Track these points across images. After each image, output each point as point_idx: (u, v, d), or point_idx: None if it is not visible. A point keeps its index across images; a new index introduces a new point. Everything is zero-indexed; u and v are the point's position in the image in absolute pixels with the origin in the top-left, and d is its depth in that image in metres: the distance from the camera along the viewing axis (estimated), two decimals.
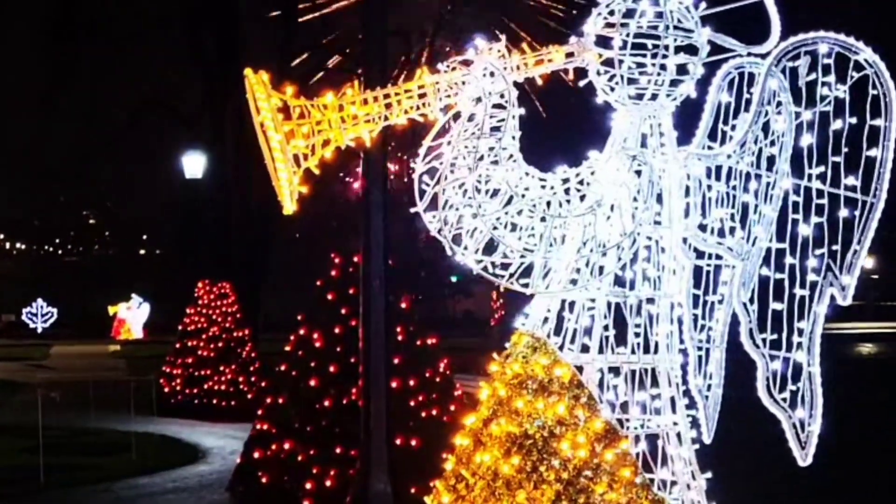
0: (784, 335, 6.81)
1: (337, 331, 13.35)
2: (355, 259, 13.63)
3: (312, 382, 13.16)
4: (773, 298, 6.80)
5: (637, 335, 6.87)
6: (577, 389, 6.50)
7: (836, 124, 6.78)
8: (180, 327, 26.54)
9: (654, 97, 6.90)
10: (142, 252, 79.40)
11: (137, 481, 17.00)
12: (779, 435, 6.88)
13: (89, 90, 45.37)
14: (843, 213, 6.78)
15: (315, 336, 13.43)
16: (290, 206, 6.60)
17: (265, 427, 13.43)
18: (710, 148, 7.20)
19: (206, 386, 25.37)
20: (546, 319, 6.81)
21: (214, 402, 25.14)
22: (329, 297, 13.59)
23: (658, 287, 6.89)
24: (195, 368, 25.59)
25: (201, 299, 26.24)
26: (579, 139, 7.28)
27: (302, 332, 13.65)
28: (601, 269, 6.83)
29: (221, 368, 25.51)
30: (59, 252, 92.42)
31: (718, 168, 6.98)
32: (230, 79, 38.36)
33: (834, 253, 6.80)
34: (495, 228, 6.62)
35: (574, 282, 6.73)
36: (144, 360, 37.45)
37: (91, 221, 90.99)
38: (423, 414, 13.16)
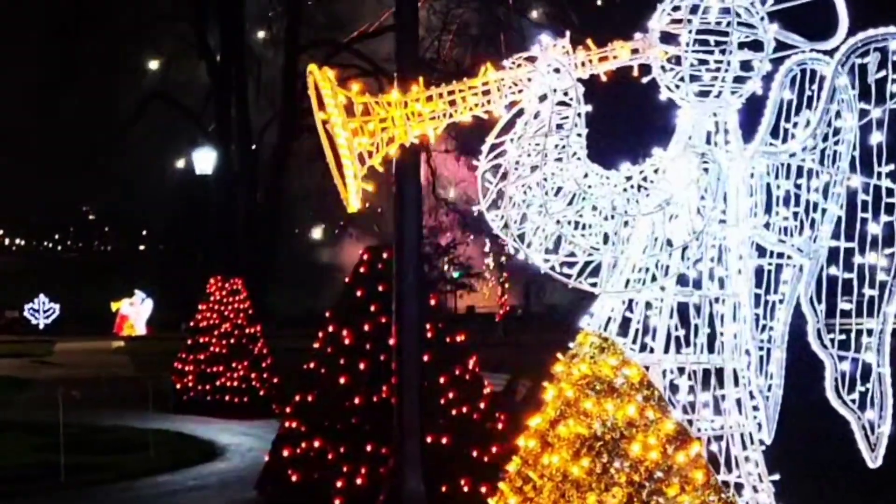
0: (853, 335, 6.73)
1: (366, 328, 13.25)
2: (384, 255, 13.55)
3: (342, 380, 13.06)
4: (842, 298, 6.72)
5: (704, 335, 6.80)
6: (646, 390, 6.40)
7: None
8: (192, 324, 26.46)
9: (718, 94, 6.82)
10: (142, 248, 79.17)
11: (157, 479, 16.91)
12: (848, 436, 6.80)
13: (93, 84, 45.31)
14: None
15: (344, 333, 13.33)
16: (355, 204, 6.51)
17: (294, 425, 13.33)
18: (772, 145, 7.12)
19: (218, 382, 25.26)
20: (611, 319, 6.73)
21: (227, 398, 25.04)
22: (358, 293, 13.48)
23: (724, 287, 6.81)
24: (207, 365, 25.48)
25: (213, 296, 26.14)
26: (643, 136, 7.16)
27: (331, 328, 13.55)
28: (666, 268, 6.76)
29: (234, 365, 25.39)
30: (59, 248, 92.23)
31: (783, 166, 6.90)
32: (235, 74, 38.41)
33: None
34: (562, 226, 6.54)
35: (643, 281, 6.64)
36: (149, 357, 37.32)
37: (91, 217, 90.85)
38: (454, 412, 13.08)
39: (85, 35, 40.93)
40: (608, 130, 6.87)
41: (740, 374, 6.82)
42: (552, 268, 6.63)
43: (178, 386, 25.50)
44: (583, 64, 6.73)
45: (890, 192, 6.76)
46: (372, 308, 13.33)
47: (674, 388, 6.68)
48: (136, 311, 55.95)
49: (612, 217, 6.66)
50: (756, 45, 6.85)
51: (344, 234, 56.42)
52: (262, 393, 25.10)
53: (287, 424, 13.48)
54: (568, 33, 6.77)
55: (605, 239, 6.73)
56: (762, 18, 6.87)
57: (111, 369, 34.41)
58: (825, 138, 6.87)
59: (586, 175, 6.60)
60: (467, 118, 6.70)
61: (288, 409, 13.67)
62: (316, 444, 12.96)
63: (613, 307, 6.77)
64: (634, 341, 6.83)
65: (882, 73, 6.72)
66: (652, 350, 6.77)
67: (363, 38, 41.01)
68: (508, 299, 58.49)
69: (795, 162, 6.87)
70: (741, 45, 6.80)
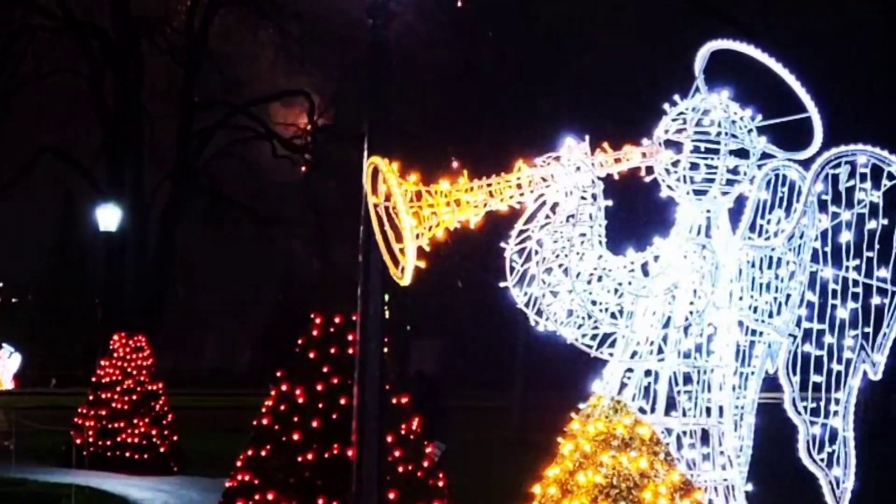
0: (822, 404, 7.92)
1: (319, 388, 14.01)
2: (336, 320, 14.37)
3: (296, 436, 13.76)
4: (814, 372, 7.91)
5: (692, 399, 7.90)
6: (656, 446, 7.46)
7: (871, 224, 7.97)
8: (94, 379, 26.65)
9: (711, 194, 7.99)
10: (14, 300, 77.52)
11: None
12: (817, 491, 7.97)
13: None
14: (876, 300, 7.96)
15: (297, 392, 14.05)
16: (408, 280, 7.42)
17: (247, 478, 13.95)
18: (749, 238, 8.30)
19: (118, 438, 25.51)
20: (624, 384, 7.78)
21: (128, 454, 25.31)
22: (311, 355, 14.24)
23: (717, 359, 7.93)
24: (109, 420, 25.72)
25: (116, 352, 26.44)
26: (645, 227, 8.28)
27: (284, 387, 14.26)
28: (665, 340, 7.86)
29: (135, 421, 25.69)
30: None
31: (766, 257, 8.08)
32: (130, 131, 38.68)
33: (867, 334, 7.97)
34: (586, 304, 7.58)
35: (651, 352, 7.72)
36: (24, 412, 36.87)
37: None
38: (400, 469, 13.88)
39: None
40: (617, 221, 7.95)
41: (727, 434, 7.93)
42: (576, 339, 7.67)
43: (79, 441, 25.62)
44: (601, 164, 7.82)
45: (855, 283, 7.99)
46: (325, 369, 14.10)
47: (678, 445, 7.74)
48: (2, 365, 55.06)
49: (622, 296, 7.74)
50: (743, 153, 8.05)
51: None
52: (162, 450, 25.47)
53: (239, 477, 14.09)
54: (587, 137, 7.85)
55: (613, 315, 7.82)
56: (749, 131, 8.09)
57: None
58: (800, 236, 8.09)
59: (606, 258, 7.67)
60: (504, 207, 7.69)
61: (239, 463, 14.27)
62: (269, 496, 13.61)
63: (624, 373, 7.82)
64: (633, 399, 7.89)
65: (851, 182, 7.97)
66: (653, 411, 7.83)
67: (258, 101, 41.80)
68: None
69: (775, 255, 8.06)
70: (731, 153, 7.99)
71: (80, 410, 26.24)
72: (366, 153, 12.38)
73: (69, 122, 40.95)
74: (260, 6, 40.22)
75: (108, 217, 28.93)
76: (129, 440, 25.43)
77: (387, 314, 15.97)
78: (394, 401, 14.44)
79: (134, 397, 25.88)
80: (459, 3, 34.46)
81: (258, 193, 42.62)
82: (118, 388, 25.94)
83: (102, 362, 26.54)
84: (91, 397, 26.19)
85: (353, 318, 12.64)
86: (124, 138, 38.46)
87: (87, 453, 25.25)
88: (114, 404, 25.77)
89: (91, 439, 25.48)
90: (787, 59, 8.54)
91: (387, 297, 15.29)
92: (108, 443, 25.41)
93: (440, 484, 14.44)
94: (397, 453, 14.02)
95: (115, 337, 26.67)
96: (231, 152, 41.92)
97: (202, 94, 40.62)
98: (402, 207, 7.27)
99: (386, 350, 15.00)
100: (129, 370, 26.19)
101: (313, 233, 44.44)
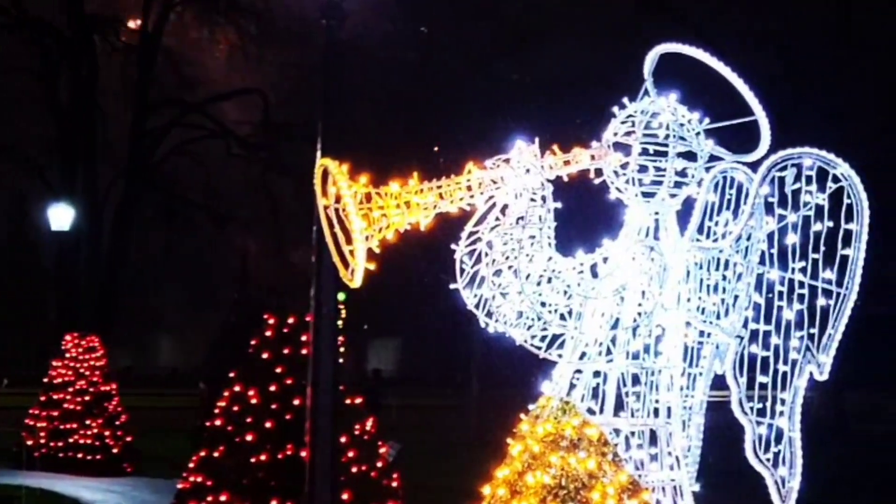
0: (769, 404, 8.01)
1: (273, 389, 13.99)
2: (290, 320, 14.35)
3: (249, 437, 13.74)
4: (760, 372, 7.99)
5: (640, 400, 7.97)
6: (604, 447, 7.51)
7: (817, 226, 8.06)
8: (46, 380, 26.42)
9: (659, 196, 8.05)
10: None
11: None
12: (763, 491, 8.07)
13: None
14: (821, 301, 8.05)
15: (251, 393, 14.03)
16: (358, 282, 7.42)
17: (199, 479, 13.90)
18: (697, 240, 8.37)
19: (71, 439, 25.32)
20: (573, 385, 7.83)
21: (80, 455, 25.13)
22: (265, 355, 14.22)
23: (665, 360, 8.00)
24: (61, 422, 25.53)
25: (69, 352, 26.23)
26: (594, 228, 8.33)
27: (237, 388, 14.23)
28: (613, 341, 7.91)
29: (88, 422, 25.52)
30: None
31: (713, 259, 8.16)
32: (83, 129, 38.36)
33: (812, 335, 8.07)
34: (535, 305, 7.62)
35: (600, 353, 7.78)
36: None
37: None
38: (354, 469, 13.89)
39: None
40: (567, 223, 8.00)
41: (675, 434, 8.00)
42: (525, 340, 7.71)
43: (30, 442, 25.42)
44: (550, 167, 7.86)
45: (801, 285, 8.08)
46: (278, 370, 14.08)
47: (626, 445, 7.80)
48: None
49: (571, 297, 7.79)
50: (691, 156, 8.12)
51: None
52: (115, 451, 25.31)
53: (192, 479, 14.04)
54: (537, 139, 7.89)
55: (562, 316, 7.86)
56: (697, 134, 8.16)
57: None
58: (747, 238, 8.16)
59: (555, 259, 7.71)
60: (454, 209, 7.71)
61: (191, 464, 14.22)
62: (223, 497, 13.58)
63: (573, 374, 7.87)
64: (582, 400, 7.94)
65: (797, 185, 8.06)
66: (601, 412, 7.88)
67: (214, 99, 41.58)
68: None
69: (722, 256, 8.14)
70: (679, 156, 8.06)
71: (31, 411, 26.02)
72: (319, 153, 12.39)
73: (21, 120, 40.54)
74: (216, 4, 40.00)
75: (61, 216, 28.67)
76: (82, 441, 25.26)
77: (343, 314, 16.01)
78: (347, 401, 14.46)
79: (87, 398, 25.70)
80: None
81: (214, 193, 42.37)
82: (70, 389, 25.75)
83: (55, 363, 26.31)
84: (43, 398, 25.96)
85: (307, 318, 12.67)
86: (77, 136, 38.12)
87: (38, 454, 25.15)
88: (66, 405, 25.59)
89: (43, 440, 25.34)
90: (739, 60, 8.62)
91: (342, 298, 15.30)
92: (60, 444, 25.23)
93: (394, 484, 14.48)
94: (351, 454, 14.03)
95: (68, 337, 26.47)
96: (186, 151, 41.63)
97: (157, 93, 40.31)
98: (352, 209, 7.28)
99: (343, 350, 15.03)
100: (81, 371, 26.00)
101: (269, 232, 44.28)
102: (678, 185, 8.07)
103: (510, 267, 7.64)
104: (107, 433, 25.48)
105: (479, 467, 8.85)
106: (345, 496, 13.59)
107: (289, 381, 13.90)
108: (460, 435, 33.37)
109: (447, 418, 37.37)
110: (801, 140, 8.10)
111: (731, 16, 32.67)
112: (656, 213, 8.14)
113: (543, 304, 7.76)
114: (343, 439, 13.93)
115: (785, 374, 8.04)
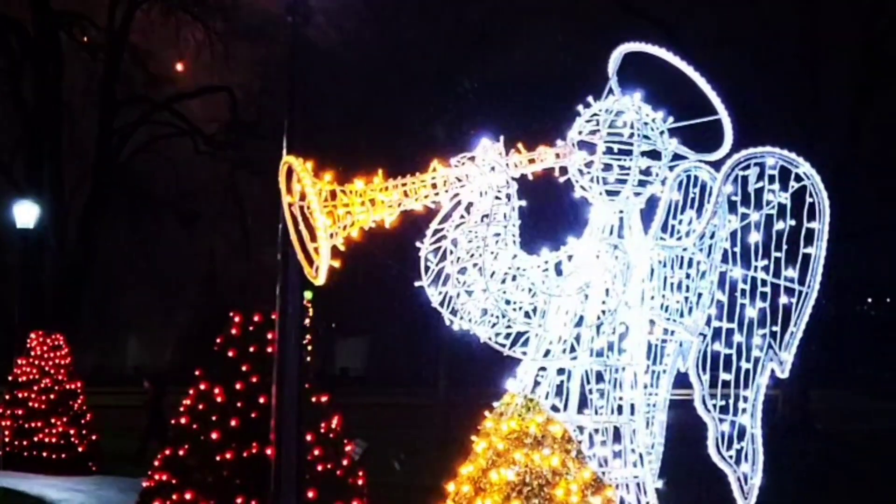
0: (731, 401, 8.05)
1: (238, 387, 13.93)
2: (255, 318, 14.31)
3: (214, 435, 13.68)
4: (723, 370, 8.04)
5: (604, 397, 8.00)
6: (568, 444, 7.53)
7: (779, 225, 8.12)
8: (10, 378, 26.21)
9: (624, 194, 8.08)
10: None
11: None
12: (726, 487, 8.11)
13: None
14: (783, 299, 8.11)
15: (216, 391, 13.96)
16: (323, 280, 7.42)
17: (164, 478, 13.83)
18: (662, 238, 8.41)
19: (36, 438, 25.14)
20: (537, 382, 7.85)
21: (45, 454, 24.96)
22: (230, 353, 14.16)
23: (629, 357, 8.03)
24: (25, 420, 25.34)
25: (34, 350, 26.03)
26: (559, 226, 8.36)
27: (202, 386, 14.16)
28: (577, 339, 7.94)
29: (53, 421, 25.35)
30: None
31: (677, 257, 8.20)
32: (49, 126, 38.12)
33: (775, 333, 8.12)
34: (499, 303, 7.63)
35: (564, 350, 7.80)
36: None
37: None
38: (319, 467, 13.86)
39: None
40: (531, 221, 8.02)
41: (639, 431, 8.04)
42: (489, 338, 7.72)
43: None
44: (515, 165, 7.87)
45: (764, 283, 8.13)
46: (244, 368, 14.03)
47: (590, 442, 7.83)
48: None
49: (535, 295, 7.81)
50: (656, 155, 8.16)
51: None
52: (80, 449, 25.16)
53: (157, 477, 13.97)
54: (502, 137, 7.91)
55: (527, 314, 7.88)
56: (662, 133, 8.20)
57: None
58: (711, 236, 8.21)
59: (519, 257, 7.73)
60: (418, 207, 7.72)
61: (156, 463, 14.15)
62: (188, 496, 13.51)
63: (538, 372, 7.89)
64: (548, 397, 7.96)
65: (760, 184, 8.12)
66: (565, 409, 7.91)
67: (181, 97, 41.39)
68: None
69: (686, 255, 8.18)
70: (643, 154, 8.10)
71: None
72: (285, 151, 12.37)
73: None
74: (182, 1, 39.82)
75: (26, 214, 28.44)
76: (47, 440, 25.06)
77: (310, 312, 15.96)
78: (313, 399, 14.44)
79: (52, 396, 25.50)
80: None
81: (181, 191, 42.21)
82: (35, 388, 25.54)
83: (19, 361, 26.10)
84: (7, 396, 25.74)
85: (273, 316, 12.64)
86: (43, 134, 37.87)
87: (2, 453, 24.96)
88: (31, 403, 25.38)
89: (7, 439, 25.14)
90: (708, 59, 8.66)
91: (309, 296, 15.25)
92: (25, 443, 25.03)
93: (360, 482, 14.44)
94: (316, 452, 13.99)
95: (32, 335, 26.26)
96: (153, 149, 41.44)
97: (124, 90, 40.09)
98: (316, 207, 7.27)
99: (310, 348, 14.97)
100: (46, 369, 25.80)
101: (237, 231, 44.15)
102: (642, 183, 8.10)
103: (475, 265, 7.66)
104: (72, 432, 25.30)
105: (444, 465, 8.87)
106: (310, 494, 13.57)
107: (254, 379, 13.85)
108: (427, 433, 33.37)
109: (415, 417, 37.35)
110: (774, 135, 8.14)
111: (702, 14, 32.84)
112: (620, 212, 8.17)
113: (508, 302, 7.78)
114: (308, 437, 13.91)
115: (748, 371, 8.09)
